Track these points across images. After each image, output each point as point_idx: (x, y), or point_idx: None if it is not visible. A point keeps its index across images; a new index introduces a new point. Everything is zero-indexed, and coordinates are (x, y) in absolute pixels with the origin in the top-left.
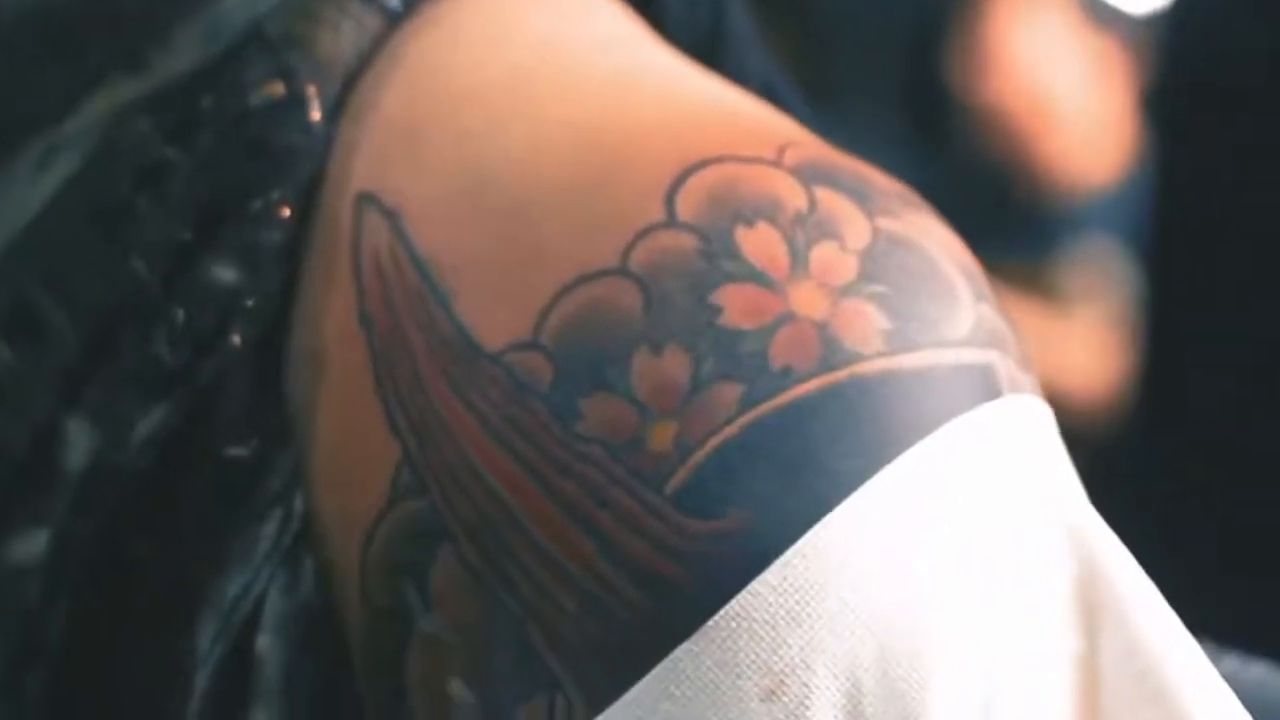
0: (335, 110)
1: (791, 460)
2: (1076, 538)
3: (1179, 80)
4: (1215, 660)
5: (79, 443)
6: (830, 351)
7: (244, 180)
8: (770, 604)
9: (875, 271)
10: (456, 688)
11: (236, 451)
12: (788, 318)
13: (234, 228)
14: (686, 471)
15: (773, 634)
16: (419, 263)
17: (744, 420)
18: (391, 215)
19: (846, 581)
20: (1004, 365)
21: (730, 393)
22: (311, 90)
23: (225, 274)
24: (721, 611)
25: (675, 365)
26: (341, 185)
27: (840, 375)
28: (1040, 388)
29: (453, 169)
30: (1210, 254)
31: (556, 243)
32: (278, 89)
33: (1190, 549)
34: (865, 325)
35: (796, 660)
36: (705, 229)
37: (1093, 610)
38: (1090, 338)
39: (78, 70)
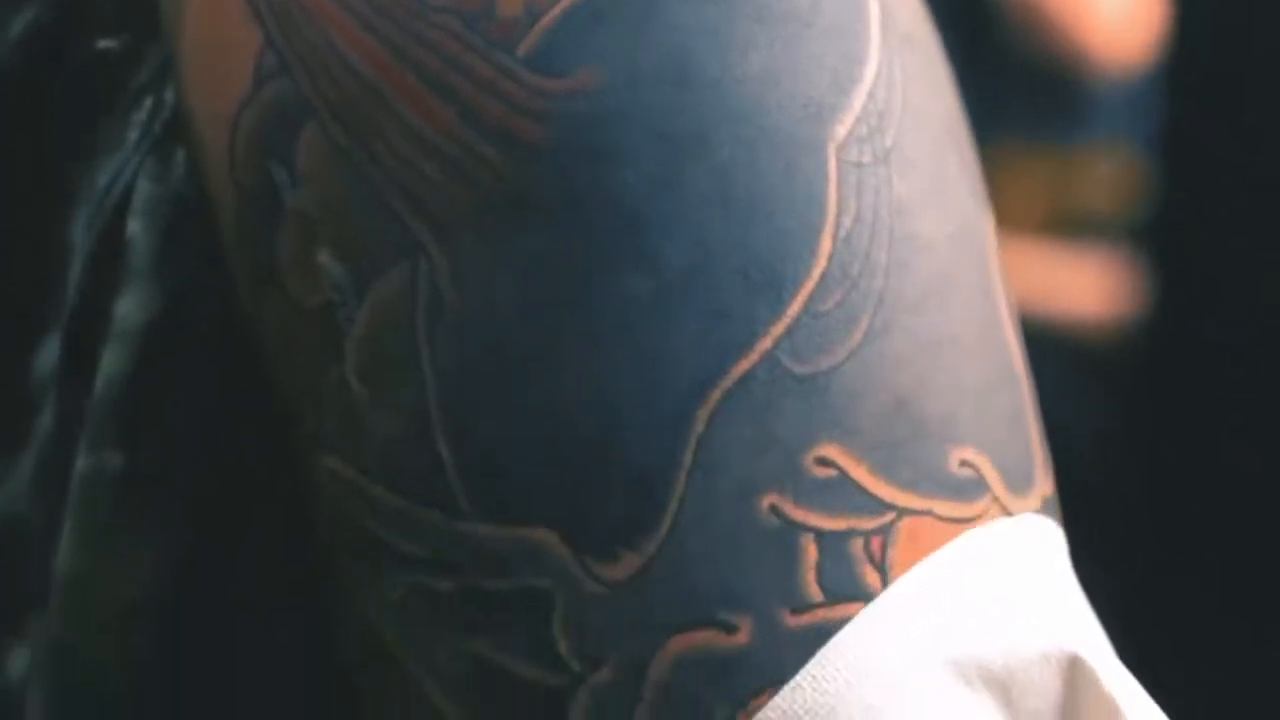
0: None
1: (637, 17)
2: (1072, 662)
3: None
4: None
5: None
6: None
7: None
8: None
9: None
10: (325, 258)
11: (106, 44)
12: None
13: None
14: (537, 34)
15: None
16: None
17: None
18: None
19: (856, 701)
20: None
21: None
22: None
23: None
24: None
25: None
26: None
27: None
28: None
29: None
30: (1230, 148)
31: None
32: None
33: (1207, 473)
34: None
35: None
36: None
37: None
38: (1107, 256)
39: None
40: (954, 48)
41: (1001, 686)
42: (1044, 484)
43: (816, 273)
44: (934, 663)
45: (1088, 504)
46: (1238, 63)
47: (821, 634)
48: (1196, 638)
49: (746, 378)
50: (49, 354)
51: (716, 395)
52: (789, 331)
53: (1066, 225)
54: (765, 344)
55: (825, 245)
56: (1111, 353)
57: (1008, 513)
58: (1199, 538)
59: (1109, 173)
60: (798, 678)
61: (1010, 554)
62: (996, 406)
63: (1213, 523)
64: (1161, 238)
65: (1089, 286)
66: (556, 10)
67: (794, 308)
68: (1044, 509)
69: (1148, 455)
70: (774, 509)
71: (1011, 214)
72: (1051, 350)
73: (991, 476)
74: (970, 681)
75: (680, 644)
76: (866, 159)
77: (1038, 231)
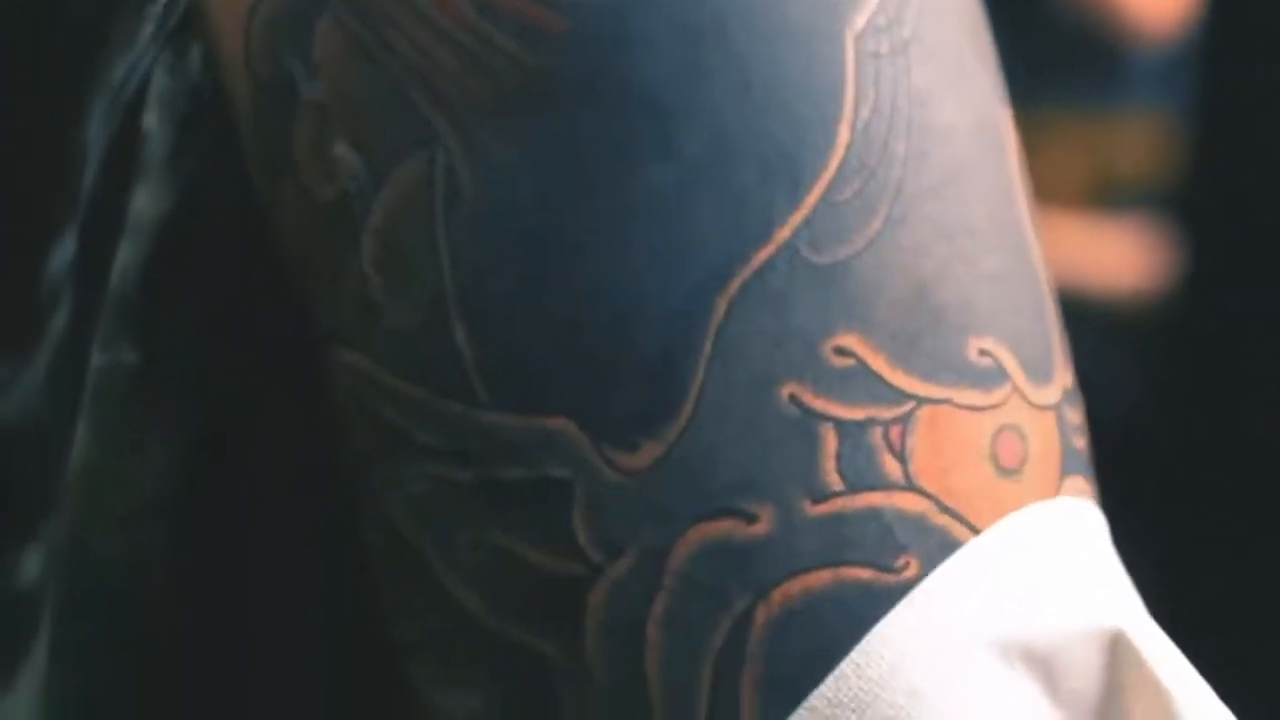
0: None
1: None
2: (1114, 639)
3: None
4: None
5: None
6: None
7: None
8: (825, 716)
9: None
10: (342, 149)
11: None
12: None
13: None
14: None
15: None
16: None
17: None
18: None
19: (899, 687)
20: None
21: None
22: None
23: None
24: None
25: None
26: None
27: None
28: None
29: None
30: (1264, 117)
31: None
32: None
33: (1239, 442)
34: None
35: None
36: None
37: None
38: (1141, 226)
39: None
40: (994, 12)
41: (1044, 666)
42: (1064, 375)
43: (834, 163)
44: (976, 644)
45: (1120, 473)
46: (1273, 31)
47: (842, 523)
48: (1229, 606)
49: (765, 267)
50: (64, 252)
51: (735, 284)
52: (807, 221)
53: (1103, 195)
54: (784, 233)
55: (843, 135)
56: (1144, 323)
57: (1028, 402)
58: (1231, 507)
59: (1145, 141)
60: (842, 666)
61: (1050, 536)
62: (1015, 297)
63: (1245, 492)
64: (1194, 207)
65: (1123, 257)
66: None
67: (812, 197)
68: (1064, 399)
69: (1180, 425)
70: (793, 398)
71: (1050, 185)
72: (1084, 320)
73: (1011, 365)
74: (1012, 663)
75: (700, 533)
76: (885, 49)
77: (1075, 203)
